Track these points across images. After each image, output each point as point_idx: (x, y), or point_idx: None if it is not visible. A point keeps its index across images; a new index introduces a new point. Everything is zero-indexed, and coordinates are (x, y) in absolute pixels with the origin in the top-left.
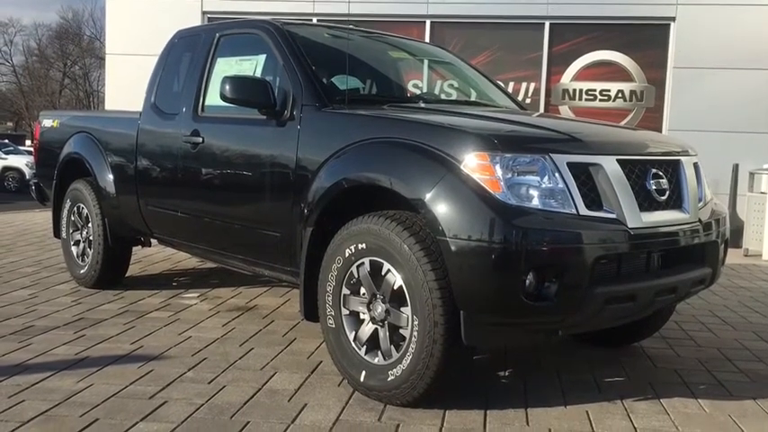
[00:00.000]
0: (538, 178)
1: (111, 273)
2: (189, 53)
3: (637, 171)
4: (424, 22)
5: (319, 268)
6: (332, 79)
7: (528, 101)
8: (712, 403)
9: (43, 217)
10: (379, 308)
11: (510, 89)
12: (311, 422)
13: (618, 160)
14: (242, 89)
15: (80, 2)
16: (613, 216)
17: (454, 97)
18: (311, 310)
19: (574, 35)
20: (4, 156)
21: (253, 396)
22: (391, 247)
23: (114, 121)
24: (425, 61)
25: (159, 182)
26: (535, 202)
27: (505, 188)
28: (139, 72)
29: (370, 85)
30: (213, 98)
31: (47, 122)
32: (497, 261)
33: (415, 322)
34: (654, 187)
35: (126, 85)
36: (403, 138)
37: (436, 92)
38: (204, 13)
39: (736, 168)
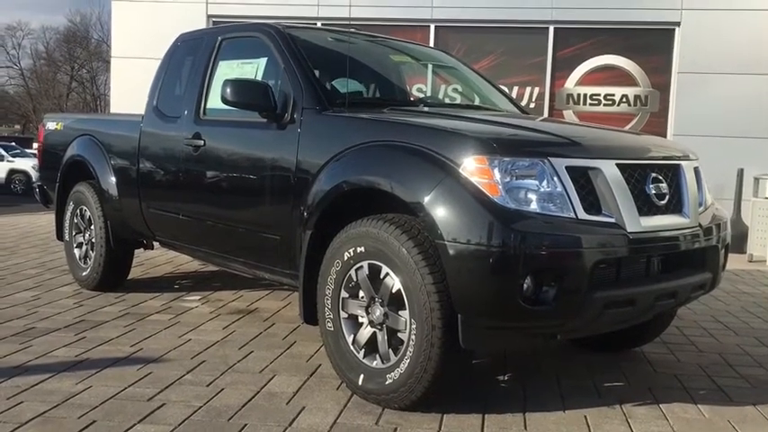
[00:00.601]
0: (536, 182)
1: (113, 275)
2: (191, 56)
3: (636, 175)
4: (429, 26)
5: (319, 271)
6: (332, 82)
7: (532, 105)
8: (712, 408)
9: (47, 219)
10: (378, 311)
11: (514, 94)
12: (308, 425)
13: (617, 164)
14: (243, 92)
15: (88, 5)
16: (612, 220)
17: (457, 101)
18: (310, 314)
19: (578, 40)
20: (10, 158)
21: (251, 399)
22: (390, 251)
23: (116, 124)
24: (427, 65)
25: (161, 184)
26: (533, 206)
27: (504, 192)
28: (144, 75)
29: (371, 89)
30: (215, 101)
31: (51, 125)
32: (495, 265)
33: (413, 326)
34: (653, 192)
35: (131, 89)
36: (402, 141)
37: (438, 96)
38: (209, 16)
39: (740, 173)
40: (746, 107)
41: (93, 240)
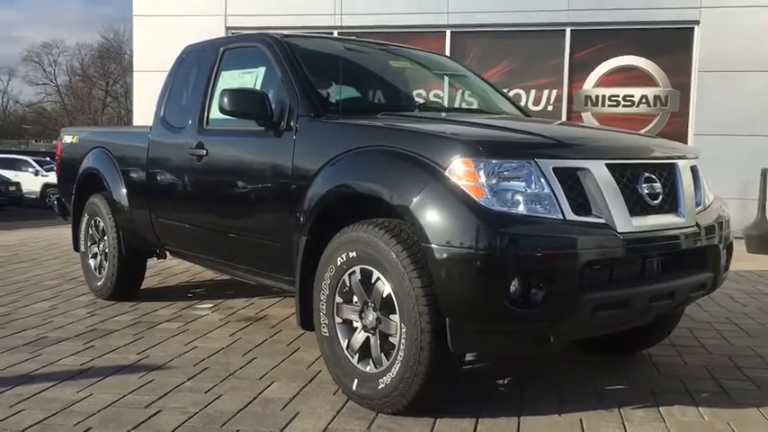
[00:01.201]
0: (523, 184)
1: (127, 285)
2: (196, 67)
3: (627, 175)
4: (445, 32)
5: (314, 277)
6: (328, 89)
7: (550, 108)
8: (712, 411)
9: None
10: (371, 316)
11: (532, 97)
12: (300, 431)
13: (607, 164)
14: (239, 101)
15: (121, 22)
16: (602, 221)
17: (455, 105)
18: (307, 320)
19: (595, 41)
20: (45, 173)
21: (247, 405)
22: (380, 255)
23: (127, 136)
24: (428, 71)
25: (168, 194)
26: (520, 208)
27: (490, 194)
28: None
29: (367, 95)
30: (217, 111)
31: (67, 138)
32: (481, 268)
33: (403, 330)
34: (646, 191)
35: (153, 101)
36: (391, 145)
37: (436, 100)
38: (228, 28)
39: (764, 173)
40: None
41: (107, 251)
